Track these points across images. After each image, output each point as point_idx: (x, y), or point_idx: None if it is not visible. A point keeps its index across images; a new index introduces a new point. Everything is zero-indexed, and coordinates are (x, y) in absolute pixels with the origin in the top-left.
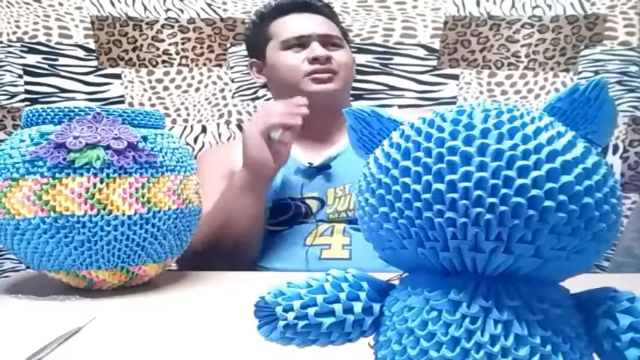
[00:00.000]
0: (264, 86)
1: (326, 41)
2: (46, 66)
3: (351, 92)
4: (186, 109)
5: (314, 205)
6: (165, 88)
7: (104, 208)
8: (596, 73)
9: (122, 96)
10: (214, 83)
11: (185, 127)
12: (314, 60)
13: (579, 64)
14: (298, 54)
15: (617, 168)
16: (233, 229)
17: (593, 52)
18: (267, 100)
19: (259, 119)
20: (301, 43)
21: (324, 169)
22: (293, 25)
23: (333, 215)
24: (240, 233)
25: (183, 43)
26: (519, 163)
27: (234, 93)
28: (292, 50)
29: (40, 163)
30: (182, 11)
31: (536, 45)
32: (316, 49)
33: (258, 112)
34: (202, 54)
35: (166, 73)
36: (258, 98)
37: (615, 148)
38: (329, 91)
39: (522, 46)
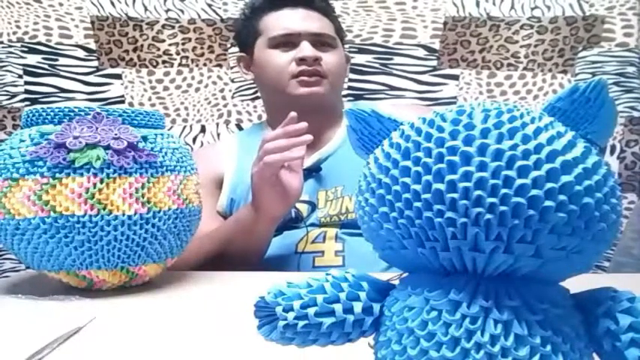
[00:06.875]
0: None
1: (317, 40)
2: (46, 66)
3: (351, 92)
4: (186, 109)
5: (304, 209)
6: (166, 88)
7: (104, 208)
8: (594, 74)
9: (122, 96)
10: (214, 83)
11: (184, 126)
12: (301, 61)
13: (577, 65)
14: (286, 53)
15: (614, 168)
16: (230, 259)
17: (591, 53)
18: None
19: (259, 164)
20: (290, 41)
21: (314, 171)
22: (283, 22)
23: (325, 219)
24: (238, 262)
25: (183, 44)
26: (519, 163)
27: (234, 93)
28: (280, 49)
29: (40, 163)
30: (182, 12)
31: (535, 46)
32: (304, 49)
33: (260, 151)
34: (203, 54)
35: (166, 74)
36: (258, 98)
37: (612, 149)
38: (316, 94)
39: (521, 46)
